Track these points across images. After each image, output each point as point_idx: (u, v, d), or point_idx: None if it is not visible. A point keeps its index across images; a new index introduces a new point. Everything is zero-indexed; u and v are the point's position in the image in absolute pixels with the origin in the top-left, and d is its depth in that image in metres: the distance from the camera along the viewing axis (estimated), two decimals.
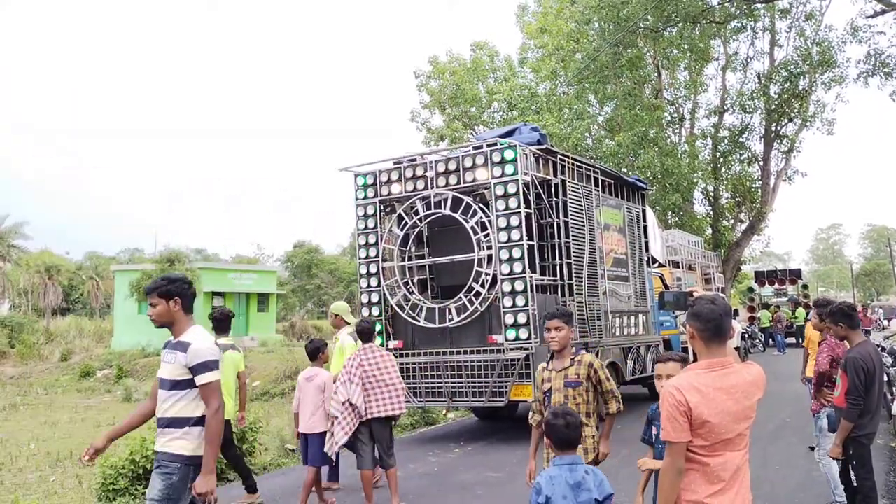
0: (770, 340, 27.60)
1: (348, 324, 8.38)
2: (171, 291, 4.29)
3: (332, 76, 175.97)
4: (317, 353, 7.48)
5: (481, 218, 10.54)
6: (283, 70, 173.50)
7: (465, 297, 10.55)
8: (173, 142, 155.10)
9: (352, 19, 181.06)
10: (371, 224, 11.51)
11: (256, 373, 24.64)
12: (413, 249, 11.79)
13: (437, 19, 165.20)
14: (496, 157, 10.39)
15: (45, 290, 51.78)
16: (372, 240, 11.49)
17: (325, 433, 7.02)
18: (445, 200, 10.89)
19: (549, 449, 3.89)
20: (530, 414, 5.04)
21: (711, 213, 29.56)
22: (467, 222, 10.63)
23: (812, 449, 8.08)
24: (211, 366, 4.13)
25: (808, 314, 14.98)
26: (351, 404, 6.70)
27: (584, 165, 12.16)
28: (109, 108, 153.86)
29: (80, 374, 27.87)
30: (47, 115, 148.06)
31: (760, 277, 33.78)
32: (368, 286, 11.46)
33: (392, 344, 11.17)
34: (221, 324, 7.46)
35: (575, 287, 11.15)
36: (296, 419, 7.38)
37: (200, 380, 4.10)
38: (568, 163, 11.60)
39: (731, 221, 30.07)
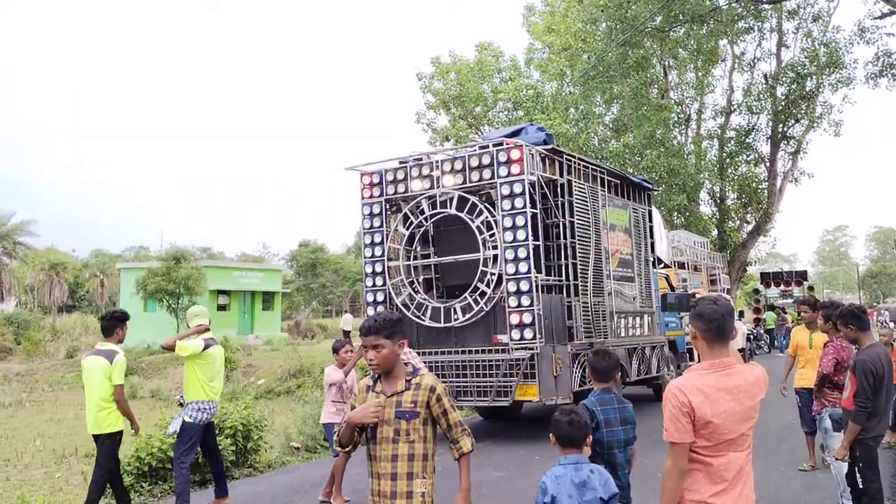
0: (775, 342, 27.54)
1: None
2: None
3: (335, 75, 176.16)
4: (334, 353, 7.83)
5: (487, 217, 10.54)
6: (287, 70, 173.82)
7: (471, 296, 10.55)
8: (179, 141, 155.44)
9: (352, 19, 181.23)
10: (377, 223, 11.52)
11: (261, 371, 24.72)
12: (418, 249, 11.79)
13: (437, 18, 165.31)
14: (502, 157, 10.38)
15: (50, 287, 51.99)
16: (377, 239, 11.50)
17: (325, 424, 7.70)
18: (451, 200, 10.89)
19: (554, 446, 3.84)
20: (334, 438, 3.73)
21: (717, 213, 29.50)
22: (473, 222, 10.63)
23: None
24: None
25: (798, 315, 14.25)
26: None
27: (590, 166, 12.16)
28: (114, 108, 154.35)
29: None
30: (52, 113, 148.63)
31: (766, 279, 33.73)
32: (374, 285, 11.47)
33: None
34: (104, 325, 6.79)
35: (580, 287, 11.14)
36: None
37: None
38: (574, 163, 11.59)
39: (737, 222, 30.01)
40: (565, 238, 11.05)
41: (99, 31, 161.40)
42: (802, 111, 26.93)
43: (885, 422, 5.40)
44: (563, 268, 11.03)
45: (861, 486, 5.32)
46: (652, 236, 14.33)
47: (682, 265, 19.91)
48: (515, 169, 10.27)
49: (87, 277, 61.15)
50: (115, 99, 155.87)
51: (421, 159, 11.46)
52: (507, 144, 10.52)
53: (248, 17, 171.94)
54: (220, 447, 8.68)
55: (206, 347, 7.11)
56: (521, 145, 10.37)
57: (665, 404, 2.97)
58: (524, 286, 10.06)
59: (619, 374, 11.93)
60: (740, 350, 17.43)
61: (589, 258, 11.47)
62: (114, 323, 6.75)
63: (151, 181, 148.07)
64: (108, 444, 6.63)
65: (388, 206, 11.61)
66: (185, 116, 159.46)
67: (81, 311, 54.20)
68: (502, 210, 10.30)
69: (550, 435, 3.80)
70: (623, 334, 12.40)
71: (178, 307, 31.01)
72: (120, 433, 6.72)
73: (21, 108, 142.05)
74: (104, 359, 6.53)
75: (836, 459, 5.73)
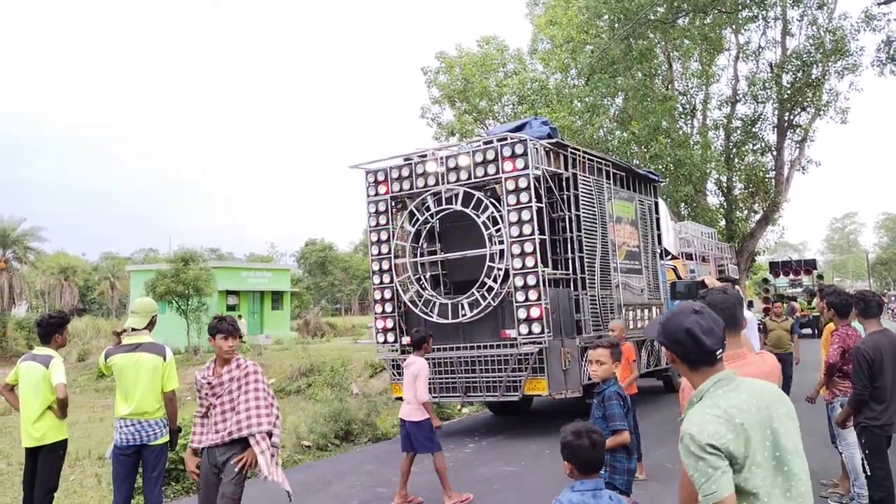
0: None
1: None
2: None
3: (338, 71, 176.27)
4: (422, 342, 7.51)
5: (493, 213, 10.54)
6: (290, 69, 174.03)
7: (478, 292, 10.56)
8: (185, 142, 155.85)
9: (353, 14, 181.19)
10: (383, 221, 11.54)
11: (272, 370, 24.77)
12: (425, 245, 11.80)
13: (441, 11, 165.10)
14: (507, 152, 10.38)
15: (61, 291, 52.31)
16: (384, 236, 11.51)
17: (421, 422, 7.20)
18: (456, 196, 10.90)
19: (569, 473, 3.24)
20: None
21: (725, 204, 29.37)
22: (479, 217, 10.63)
23: None
24: None
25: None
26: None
27: (595, 159, 12.14)
28: (120, 111, 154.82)
29: (98, 374, 28.03)
30: (59, 117, 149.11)
31: (775, 268, 33.53)
32: (381, 283, 11.49)
33: (406, 340, 11.20)
34: (40, 331, 6.25)
35: (587, 280, 11.13)
36: None
37: None
38: (579, 156, 11.57)
39: (745, 212, 29.87)
40: (571, 232, 11.04)
41: (110, 31, 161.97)
42: (808, 99, 26.80)
43: (894, 409, 5.36)
44: (570, 261, 11.03)
45: (868, 474, 5.31)
46: (659, 228, 14.31)
47: (689, 256, 19.84)
48: (520, 163, 10.26)
49: (97, 281, 61.50)
50: (122, 102, 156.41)
51: (426, 156, 11.46)
52: (512, 139, 10.51)
53: (249, 16, 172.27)
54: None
55: (108, 356, 5.97)
56: (526, 140, 10.36)
57: (683, 401, 2.95)
58: (531, 280, 10.06)
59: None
60: None
61: (596, 251, 11.46)
62: (51, 329, 6.13)
63: (163, 182, 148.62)
64: (52, 456, 5.95)
65: (393, 204, 11.62)
66: (191, 116, 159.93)
67: (92, 314, 54.42)
68: (508, 205, 10.29)
69: (566, 463, 3.19)
70: (631, 326, 12.38)
71: (187, 308, 31.14)
72: (65, 443, 6.08)
73: (29, 111, 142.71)
74: (40, 364, 5.97)
75: (836, 424, 5.96)
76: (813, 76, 26.21)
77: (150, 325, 6.14)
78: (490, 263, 10.52)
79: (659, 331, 2.54)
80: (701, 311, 2.51)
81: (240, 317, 35.31)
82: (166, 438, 6.00)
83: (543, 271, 10.14)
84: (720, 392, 2.41)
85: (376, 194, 11.61)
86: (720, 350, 2.48)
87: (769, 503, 2.32)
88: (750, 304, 25.08)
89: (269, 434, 4.99)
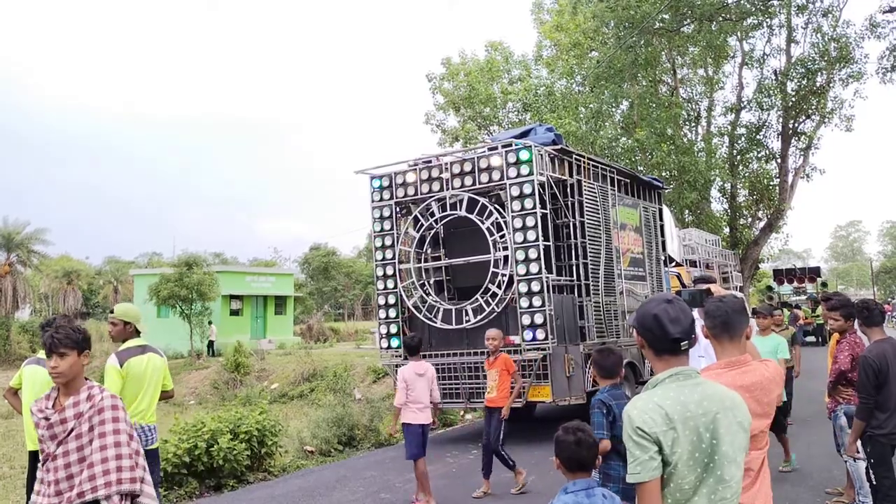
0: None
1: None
2: None
3: (344, 79, 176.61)
4: (420, 346, 7.59)
5: (497, 219, 10.54)
6: (299, 75, 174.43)
7: (482, 297, 10.55)
8: (190, 146, 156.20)
9: (356, 20, 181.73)
10: (387, 226, 11.55)
11: (275, 375, 24.79)
12: (429, 251, 11.81)
13: (443, 17, 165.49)
14: (511, 158, 10.38)
15: (64, 294, 52.38)
16: (388, 242, 11.52)
17: (427, 425, 7.27)
18: (461, 202, 10.90)
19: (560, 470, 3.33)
20: None
21: (729, 211, 29.36)
22: (483, 223, 10.63)
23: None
24: None
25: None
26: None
27: (599, 165, 12.13)
28: (128, 112, 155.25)
29: (101, 378, 28.05)
30: (63, 120, 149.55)
31: (779, 276, 33.54)
32: (385, 288, 11.49)
33: None
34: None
35: (592, 287, 11.12)
36: (397, 413, 7.37)
37: None
38: (583, 163, 11.57)
39: (749, 219, 29.85)
40: (576, 238, 11.03)
41: (117, 37, 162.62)
42: (813, 107, 26.79)
43: None
44: (574, 268, 11.02)
45: (874, 483, 5.28)
46: (663, 235, 14.28)
47: (693, 263, 19.80)
48: (525, 170, 10.26)
49: (100, 284, 61.58)
50: (126, 106, 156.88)
51: (430, 161, 11.47)
52: (516, 145, 10.51)
53: (254, 19, 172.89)
54: (234, 452, 8.65)
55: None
56: (531, 146, 10.37)
57: None
58: (535, 287, 10.05)
59: (625, 371, 11.91)
60: None
61: (600, 258, 11.45)
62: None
63: (167, 186, 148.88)
64: None
65: (398, 209, 11.63)
66: (195, 118, 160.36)
67: (96, 317, 54.50)
68: (512, 211, 10.30)
69: (554, 458, 3.34)
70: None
71: (190, 312, 31.16)
72: None
73: (34, 115, 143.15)
74: (45, 368, 5.54)
75: (847, 455, 5.75)
76: (817, 84, 26.20)
77: None
78: (494, 269, 10.51)
79: (634, 316, 2.66)
80: (672, 302, 2.60)
81: (210, 322, 33.28)
82: (158, 444, 6.05)
83: (547, 277, 10.13)
84: (674, 385, 2.48)
85: (381, 199, 11.62)
86: (685, 342, 2.54)
87: (691, 502, 2.39)
88: (754, 312, 25.08)
89: (133, 496, 3.57)
